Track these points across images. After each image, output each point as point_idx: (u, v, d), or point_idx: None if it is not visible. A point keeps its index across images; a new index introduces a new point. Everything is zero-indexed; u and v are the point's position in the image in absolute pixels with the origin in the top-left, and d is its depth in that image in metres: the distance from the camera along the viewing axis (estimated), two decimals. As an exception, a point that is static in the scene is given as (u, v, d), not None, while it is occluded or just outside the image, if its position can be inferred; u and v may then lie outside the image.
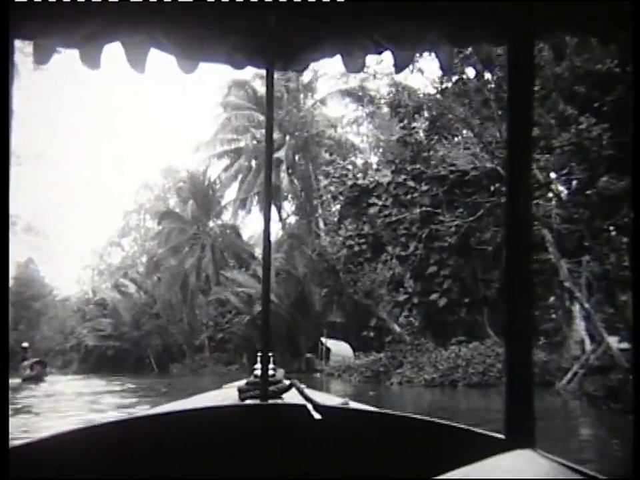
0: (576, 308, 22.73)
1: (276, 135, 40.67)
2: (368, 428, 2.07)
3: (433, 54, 2.01)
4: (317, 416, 2.08)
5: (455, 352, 23.77)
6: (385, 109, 42.14)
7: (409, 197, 28.19)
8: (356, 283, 28.82)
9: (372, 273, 28.18)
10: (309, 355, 36.76)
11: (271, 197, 2.56)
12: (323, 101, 41.16)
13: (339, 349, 34.40)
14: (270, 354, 2.42)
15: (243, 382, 3.06)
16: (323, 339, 35.06)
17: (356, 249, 29.12)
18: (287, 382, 2.64)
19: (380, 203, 29.01)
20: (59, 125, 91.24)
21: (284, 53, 2.05)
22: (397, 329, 27.66)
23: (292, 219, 44.43)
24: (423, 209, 27.26)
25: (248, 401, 2.63)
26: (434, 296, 27.40)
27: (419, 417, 2.04)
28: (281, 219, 44.78)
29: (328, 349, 34.89)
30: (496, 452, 1.42)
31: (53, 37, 1.83)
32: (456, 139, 26.57)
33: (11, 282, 58.14)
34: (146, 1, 1.77)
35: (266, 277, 2.39)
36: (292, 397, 2.51)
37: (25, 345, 43.34)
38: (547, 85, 16.49)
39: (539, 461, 1.39)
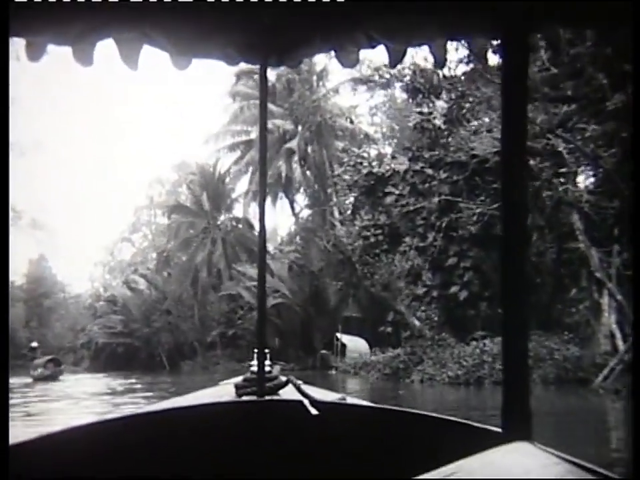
0: (604, 300, 21.52)
1: (288, 125, 39.85)
2: (365, 423, 2.08)
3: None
4: (313, 411, 2.10)
5: (480, 347, 22.52)
6: (400, 99, 41.26)
7: (426, 185, 27.05)
8: (373, 275, 27.77)
9: (389, 265, 27.10)
10: (323, 352, 35.99)
11: (265, 192, 2.57)
12: (335, 90, 40.08)
13: (355, 344, 33.71)
14: (266, 350, 2.43)
15: (239, 378, 3.00)
16: (338, 335, 34.25)
17: (372, 240, 28.07)
18: (284, 378, 2.64)
19: (396, 191, 27.93)
20: (65, 115, 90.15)
21: (278, 48, 2.07)
22: (417, 323, 26.55)
23: (305, 213, 43.56)
24: (442, 197, 26.07)
25: (245, 398, 2.57)
26: (454, 289, 26.29)
27: (415, 411, 2.03)
28: (294, 213, 43.88)
29: (343, 345, 34.17)
30: (493, 445, 1.38)
31: (44, 34, 1.83)
32: (476, 122, 25.36)
33: (23, 279, 58.18)
34: None
35: (261, 271, 2.46)
36: (288, 393, 2.49)
37: (34, 344, 42.56)
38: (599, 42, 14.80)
39: (536, 453, 1.37)
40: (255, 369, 2.69)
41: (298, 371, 33.30)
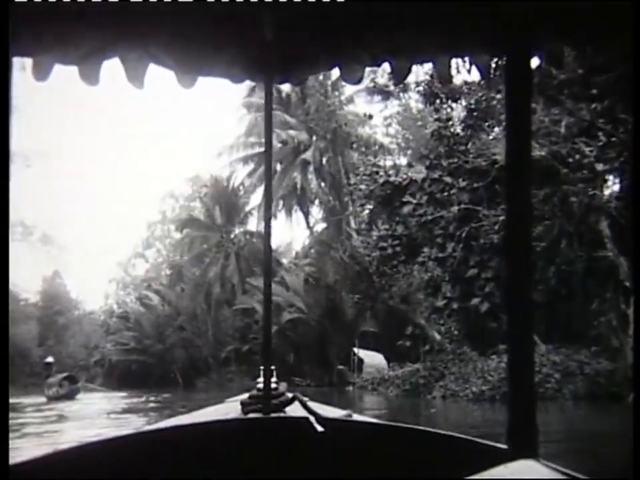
0: (631, 311, 20.57)
1: (302, 136, 39.27)
2: (371, 440, 2.07)
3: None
4: (319, 428, 2.09)
5: (505, 361, 21.48)
6: (415, 109, 40.61)
7: (445, 193, 26.19)
8: (390, 287, 26.92)
9: (408, 276, 26.28)
10: (340, 367, 35.05)
11: (270, 210, 2.56)
12: (350, 99, 39.49)
13: (372, 359, 32.99)
14: (272, 367, 2.46)
15: (245, 395, 2.98)
16: (355, 350, 33.40)
17: (389, 251, 27.21)
18: (290, 395, 2.61)
19: (414, 201, 27.02)
20: (74, 126, 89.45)
21: (282, 66, 2.10)
22: (437, 337, 25.62)
23: (320, 226, 42.92)
24: (462, 206, 25.21)
25: (251, 415, 2.58)
26: (475, 301, 25.37)
27: (420, 428, 2.02)
28: (309, 226, 43.22)
29: (360, 360, 33.35)
30: (499, 462, 1.39)
31: (51, 53, 1.85)
32: (496, 128, 24.57)
33: (37, 296, 57.85)
34: (143, 18, 1.79)
35: (267, 288, 2.45)
36: (295, 410, 2.47)
37: (50, 359, 41.89)
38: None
39: (541, 470, 1.38)
40: (261, 386, 2.65)
41: (314, 387, 32.50)
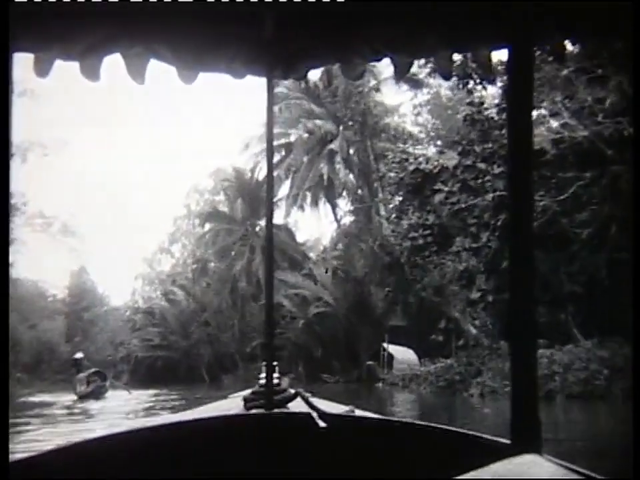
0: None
1: (329, 126, 38.51)
2: (373, 435, 2.10)
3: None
4: (322, 424, 2.10)
5: (547, 356, 20.11)
6: (444, 97, 39.45)
7: (479, 181, 25.03)
8: (423, 278, 25.84)
9: (441, 267, 25.19)
10: (370, 363, 34.12)
11: (272, 213, 2.61)
12: (377, 88, 38.37)
13: (403, 355, 32.22)
14: (274, 363, 2.45)
15: (248, 391, 2.87)
16: (385, 345, 32.44)
17: (420, 241, 26.14)
18: (292, 391, 2.61)
19: (446, 189, 25.95)
20: (95, 116, 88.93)
21: (283, 61, 2.09)
22: (473, 330, 24.47)
23: (348, 219, 42.11)
24: (497, 193, 24.03)
25: (253, 411, 2.52)
26: (511, 293, 24.21)
27: (423, 423, 2.02)
28: (336, 219, 42.36)
29: (391, 356, 32.46)
30: (502, 457, 1.35)
31: (52, 50, 1.86)
32: (534, 111, 23.33)
33: (65, 292, 57.77)
34: (144, 13, 1.81)
35: (269, 273, 2.61)
36: (297, 406, 2.47)
37: (79, 355, 41.35)
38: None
39: (545, 464, 1.36)
40: (263, 381, 2.58)
41: (343, 384, 31.58)
